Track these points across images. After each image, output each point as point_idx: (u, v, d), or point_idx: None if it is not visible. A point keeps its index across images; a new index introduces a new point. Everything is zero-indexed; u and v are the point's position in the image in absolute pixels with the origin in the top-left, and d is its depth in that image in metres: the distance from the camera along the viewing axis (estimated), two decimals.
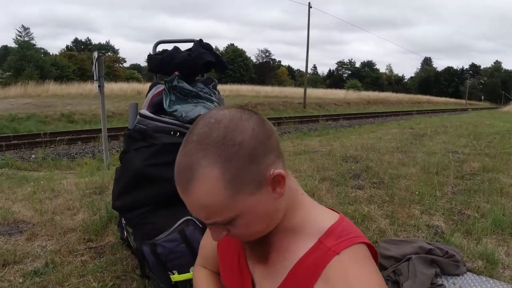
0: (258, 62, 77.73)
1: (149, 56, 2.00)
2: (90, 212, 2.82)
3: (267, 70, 72.31)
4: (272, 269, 0.66)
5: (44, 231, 2.52)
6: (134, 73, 53.85)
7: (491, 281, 1.96)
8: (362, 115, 20.29)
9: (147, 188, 1.65)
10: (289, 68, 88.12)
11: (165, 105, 1.76)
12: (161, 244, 1.65)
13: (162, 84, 1.91)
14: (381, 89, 68.87)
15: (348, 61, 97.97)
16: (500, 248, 2.51)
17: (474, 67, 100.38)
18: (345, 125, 15.13)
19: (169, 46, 2.05)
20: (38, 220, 2.71)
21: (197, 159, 0.53)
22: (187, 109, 1.73)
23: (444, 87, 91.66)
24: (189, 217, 1.70)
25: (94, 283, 1.90)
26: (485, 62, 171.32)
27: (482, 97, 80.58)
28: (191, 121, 1.70)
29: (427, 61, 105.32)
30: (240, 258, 0.74)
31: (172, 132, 1.69)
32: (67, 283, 1.93)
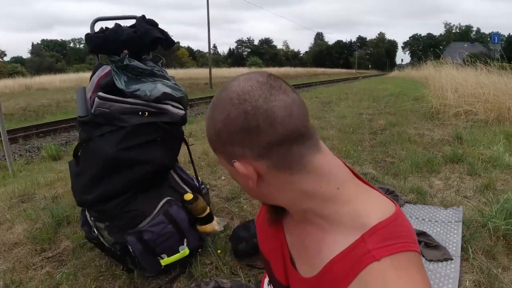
0: None
1: (88, 35, 1.80)
2: (29, 221, 2.48)
3: (166, 52, 69.46)
4: (310, 257, 0.63)
5: None
6: (17, 67, 47.11)
7: (426, 207, 2.40)
8: None
9: (123, 174, 1.54)
10: (189, 49, 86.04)
11: (121, 86, 1.63)
12: (148, 230, 1.59)
13: (107, 65, 1.77)
14: (280, 64, 71.84)
15: (247, 39, 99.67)
16: (423, 182, 2.97)
17: (361, 39, 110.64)
18: None
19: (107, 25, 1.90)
20: None
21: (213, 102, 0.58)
22: (149, 88, 1.63)
23: (336, 59, 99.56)
24: (168, 198, 1.67)
25: None
26: (370, 34, 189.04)
27: (370, 66, 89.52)
28: (157, 99, 1.63)
29: (319, 36, 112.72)
30: (280, 236, 0.72)
31: (140, 112, 1.59)
32: None
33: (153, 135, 1.60)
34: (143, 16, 1.91)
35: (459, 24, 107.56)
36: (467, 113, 5.57)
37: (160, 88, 1.67)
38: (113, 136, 1.54)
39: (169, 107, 1.68)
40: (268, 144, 0.53)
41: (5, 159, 4.93)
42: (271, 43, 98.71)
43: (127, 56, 1.70)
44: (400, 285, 0.49)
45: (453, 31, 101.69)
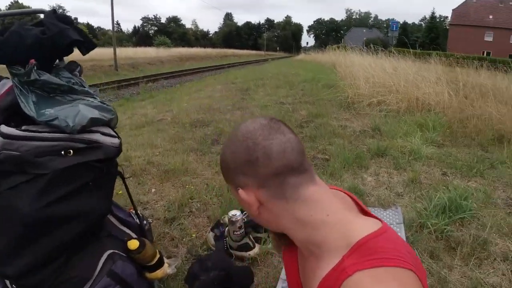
0: None
1: None
2: None
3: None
4: (309, 284, 0.68)
5: None
6: None
7: (382, 210, 2.42)
8: (180, 73, 20.07)
9: (50, 237, 1.16)
10: (88, 26, 78.33)
11: (30, 111, 1.23)
12: None
13: (8, 78, 1.35)
14: (189, 44, 69.81)
15: (153, 17, 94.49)
16: (356, 180, 3.04)
17: (269, 21, 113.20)
18: (166, 85, 14.74)
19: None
20: None
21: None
22: (70, 114, 1.25)
23: (245, 40, 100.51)
24: (110, 251, 1.33)
25: None
26: (278, 17, 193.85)
27: (278, 48, 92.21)
28: (83, 129, 1.26)
29: (228, 17, 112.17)
30: (296, 271, 0.78)
31: (63, 152, 1.20)
32: None
33: (83, 180, 1.22)
34: (54, 11, 1.47)
35: (359, 10, 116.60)
36: (380, 103, 5.94)
37: (85, 112, 1.30)
38: (29, 189, 1.13)
39: (100, 137, 1.31)
40: (266, 175, 0.63)
41: None
42: (180, 21, 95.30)
43: (35, 68, 1.29)
44: None
45: (354, 17, 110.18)
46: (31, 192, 1.12)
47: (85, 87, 1.50)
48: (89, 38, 1.57)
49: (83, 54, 1.57)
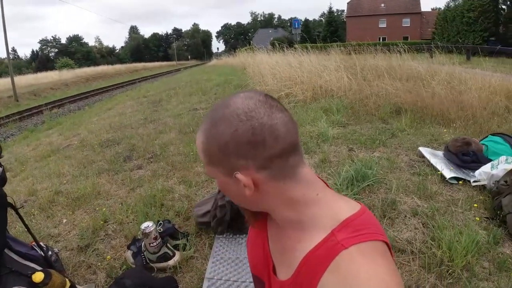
0: None
1: None
2: None
3: None
4: (288, 258, 0.69)
5: None
6: None
7: None
8: (87, 94, 18.89)
9: None
10: None
11: None
12: None
13: None
14: (95, 63, 65.94)
15: (52, 38, 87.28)
16: None
17: (176, 30, 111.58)
18: (74, 109, 13.86)
19: None
20: None
21: (203, 120, 0.67)
22: None
23: (155, 52, 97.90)
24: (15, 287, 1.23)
25: None
26: (185, 26, 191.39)
27: (189, 56, 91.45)
28: None
29: (133, 30, 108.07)
30: (264, 244, 0.79)
31: None
32: None
33: None
34: None
35: (263, 12, 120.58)
36: (288, 95, 6.25)
37: None
38: None
39: None
40: (270, 156, 0.60)
41: None
42: (82, 40, 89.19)
43: None
44: (367, 268, 0.55)
45: (259, 19, 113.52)
46: None
47: None
48: None
49: None
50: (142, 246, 1.86)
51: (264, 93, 0.65)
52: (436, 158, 3.02)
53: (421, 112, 4.60)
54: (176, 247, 1.92)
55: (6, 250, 1.34)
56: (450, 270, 1.74)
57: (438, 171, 2.80)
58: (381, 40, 35.72)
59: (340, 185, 2.62)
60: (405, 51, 8.06)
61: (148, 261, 1.84)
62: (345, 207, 0.65)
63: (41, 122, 10.99)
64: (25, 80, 26.12)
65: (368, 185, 2.62)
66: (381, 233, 0.62)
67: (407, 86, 5.63)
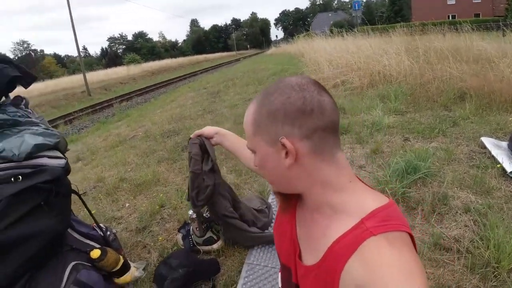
0: (17, 57, 64.92)
1: None
2: None
3: (30, 65, 61.27)
4: (315, 244, 0.72)
5: None
6: None
7: None
8: (153, 87, 20.06)
9: (10, 258, 1.26)
10: (56, 56, 77.31)
11: None
12: None
13: None
14: (160, 57, 69.35)
15: (119, 36, 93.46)
16: None
17: (235, 21, 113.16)
18: (141, 102, 14.76)
19: None
20: None
21: (256, 95, 0.73)
22: (15, 144, 1.35)
23: (215, 44, 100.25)
24: (74, 262, 1.43)
25: None
26: (243, 15, 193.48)
27: (248, 46, 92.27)
28: (29, 155, 1.37)
29: (194, 23, 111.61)
30: (292, 231, 0.82)
31: (12, 179, 1.30)
32: None
33: (35, 201, 1.33)
34: None
35: None
36: (344, 83, 6.10)
37: (29, 140, 1.40)
38: None
39: (46, 160, 1.42)
40: (316, 127, 0.65)
41: None
42: (146, 36, 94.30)
43: None
44: (392, 256, 0.58)
45: (317, 2, 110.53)
46: None
47: (30, 118, 1.58)
48: (28, 72, 1.64)
49: (25, 87, 1.65)
50: (190, 230, 2.00)
51: (314, 79, 0.71)
52: (498, 149, 2.79)
53: (488, 98, 4.22)
54: (220, 232, 2.04)
55: (69, 230, 1.55)
56: (496, 272, 1.62)
57: (499, 163, 2.59)
58: (450, 18, 32.93)
59: (389, 177, 2.53)
60: (473, 30, 7.38)
61: (195, 243, 1.98)
62: (373, 199, 0.68)
63: (112, 115, 11.91)
64: (96, 76, 28.36)
65: (420, 177, 2.49)
66: (407, 225, 0.64)
67: (474, 69, 5.19)
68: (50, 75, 50.08)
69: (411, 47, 6.97)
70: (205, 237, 1.93)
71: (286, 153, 0.67)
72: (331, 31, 10.36)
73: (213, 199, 1.78)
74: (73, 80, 26.15)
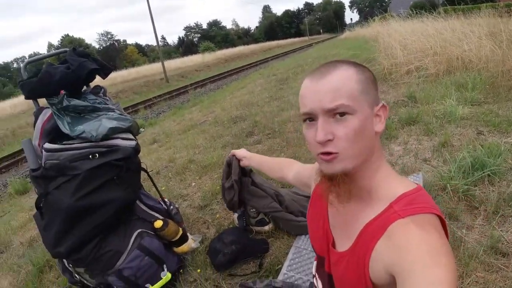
0: (102, 48, 71.37)
1: (21, 82, 1.71)
2: (12, 273, 2.42)
3: (114, 54, 67.10)
4: (348, 230, 0.76)
5: None
6: None
7: None
8: (225, 74, 20.75)
9: (87, 222, 1.53)
10: (137, 46, 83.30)
11: (65, 130, 1.59)
12: (126, 267, 1.60)
13: (48, 108, 1.70)
14: (233, 44, 70.89)
15: (195, 25, 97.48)
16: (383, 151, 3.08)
17: (308, 5, 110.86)
18: (213, 88, 15.36)
19: None
20: None
21: (337, 63, 0.71)
22: (94, 127, 1.60)
23: (287, 29, 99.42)
24: (140, 230, 1.67)
25: None
26: None
27: (321, 30, 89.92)
28: (106, 137, 1.60)
29: (266, 9, 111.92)
30: (324, 222, 0.86)
31: (90, 156, 1.56)
32: None
33: (108, 175, 1.58)
34: (73, 49, 1.83)
35: None
36: (418, 69, 5.73)
37: (106, 124, 1.63)
38: (68, 186, 1.50)
39: (119, 141, 1.66)
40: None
41: None
42: (220, 24, 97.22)
43: (65, 96, 1.64)
44: (419, 236, 0.60)
45: None
46: (70, 188, 1.50)
47: (107, 105, 1.83)
48: (105, 64, 1.89)
49: (103, 78, 1.89)
50: (245, 211, 2.15)
51: None
52: None
53: None
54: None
55: (137, 202, 1.80)
56: None
57: None
58: None
59: (453, 173, 2.35)
60: None
61: (248, 224, 2.13)
62: (403, 184, 0.71)
63: (187, 100, 12.63)
64: (174, 64, 30.07)
65: (487, 175, 2.29)
66: (435, 208, 0.66)
67: None
68: (132, 64, 54.13)
69: (495, 31, 6.29)
70: (258, 218, 2.07)
71: (378, 117, 0.71)
72: (410, 13, 9.67)
73: (251, 202, 1.99)
74: (153, 68, 28.11)
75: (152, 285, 1.68)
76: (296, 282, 1.23)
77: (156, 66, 27.73)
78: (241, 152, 1.62)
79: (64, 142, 1.60)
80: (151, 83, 21.28)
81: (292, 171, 1.19)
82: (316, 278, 0.98)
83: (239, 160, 1.65)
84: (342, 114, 0.66)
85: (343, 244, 0.78)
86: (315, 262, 1.00)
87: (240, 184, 1.89)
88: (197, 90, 15.25)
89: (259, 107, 6.24)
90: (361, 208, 0.73)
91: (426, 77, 5.42)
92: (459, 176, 2.33)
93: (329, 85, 0.66)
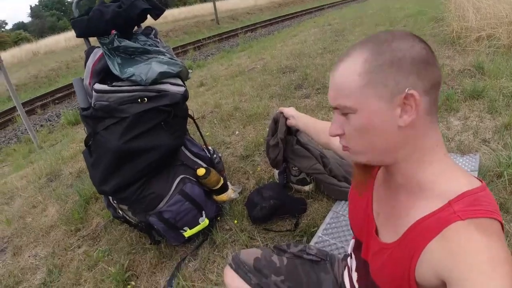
0: None
1: (72, 20, 1.68)
2: (60, 202, 2.61)
3: None
4: (395, 222, 0.69)
5: (25, 240, 2.31)
6: (20, 33, 46.26)
7: (459, 156, 2.29)
8: (278, 20, 19.92)
9: (133, 164, 1.57)
10: None
11: (116, 71, 1.58)
12: (167, 210, 1.66)
13: (99, 47, 1.68)
14: None
15: None
16: (441, 124, 2.85)
17: None
18: (264, 34, 14.90)
19: None
20: (10, 231, 2.44)
21: (356, 45, 0.63)
22: (143, 71, 1.57)
23: None
24: (182, 176, 1.71)
25: (110, 268, 1.85)
26: None
27: None
28: (155, 81, 1.59)
29: None
30: (367, 206, 0.80)
31: (139, 100, 1.56)
32: (83, 279, 1.87)
33: (156, 120, 1.58)
34: None
35: None
36: (490, 37, 5.15)
37: (156, 68, 1.60)
38: (116, 129, 1.53)
39: (168, 86, 1.64)
40: (435, 82, 0.60)
41: (28, 132, 5.11)
42: None
43: (116, 36, 1.61)
44: (480, 243, 0.53)
45: None
46: (118, 131, 1.53)
47: (158, 47, 1.79)
48: (157, 4, 1.82)
49: (154, 19, 1.84)
50: (287, 168, 2.12)
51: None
52: None
53: None
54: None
55: (182, 148, 1.81)
56: None
57: None
58: None
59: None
60: None
61: (289, 181, 2.11)
62: (465, 180, 0.62)
63: (236, 44, 12.41)
64: (225, 5, 29.19)
65: None
66: (498, 212, 0.58)
67: None
68: (184, 2, 53.25)
69: None
70: (299, 177, 2.03)
71: (403, 108, 0.59)
72: None
73: (295, 162, 1.96)
74: (204, 8, 27.55)
75: (190, 229, 1.75)
76: (331, 252, 1.20)
77: (207, 6, 27.16)
78: (289, 111, 1.54)
79: (113, 84, 1.60)
80: (201, 24, 21.00)
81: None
82: (351, 258, 0.95)
83: (286, 118, 1.58)
84: (345, 113, 0.64)
85: (387, 235, 0.72)
86: (352, 241, 0.96)
87: (285, 143, 1.84)
88: (247, 35, 14.88)
89: (311, 58, 5.98)
90: (412, 201, 0.65)
91: (498, 48, 4.85)
92: None
93: (333, 82, 0.65)
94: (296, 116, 1.49)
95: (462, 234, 0.55)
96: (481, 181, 0.63)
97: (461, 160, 2.23)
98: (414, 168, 0.64)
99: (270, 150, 1.84)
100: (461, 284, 0.52)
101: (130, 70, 1.58)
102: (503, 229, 0.58)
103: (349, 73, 0.61)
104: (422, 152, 0.63)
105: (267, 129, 1.85)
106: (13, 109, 8.30)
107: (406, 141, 0.62)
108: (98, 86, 1.55)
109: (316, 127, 1.31)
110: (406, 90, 0.58)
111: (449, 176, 0.62)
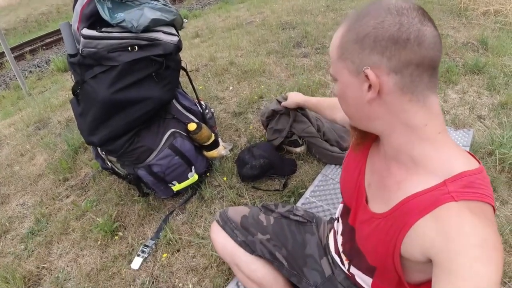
0: None
1: None
2: (48, 150, 2.57)
3: None
4: (386, 194, 0.69)
5: (13, 188, 2.29)
6: None
7: (452, 130, 2.28)
8: None
9: (123, 115, 1.51)
10: None
11: (105, 16, 1.48)
12: (156, 164, 1.63)
13: None
14: None
15: None
16: (438, 95, 2.81)
17: None
18: None
19: None
20: None
21: (347, 16, 0.65)
22: (135, 17, 1.47)
23: None
24: (173, 130, 1.67)
25: (98, 218, 1.86)
26: None
27: None
28: (147, 28, 1.49)
29: None
30: (360, 174, 0.80)
31: (129, 48, 1.47)
32: (71, 229, 1.88)
33: (147, 71, 1.50)
34: None
35: None
36: (497, 13, 4.97)
37: (148, 14, 1.51)
38: (105, 77, 1.45)
39: (161, 35, 1.55)
40: (408, 61, 0.57)
41: (17, 79, 4.97)
42: None
43: None
44: (472, 226, 0.53)
45: None
46: (107, 80, 1.46)
47: None
48: None
49: None
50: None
51: (418, 5, 0.60)
52: None
53: None
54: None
55: (174, 101, 1.76)
56: None
57: None
58: None
59: (506, 139, 2.13)
60: None
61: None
62: (462, 160, 0.61)
63: None
64: None
65: None
66: (492, 197, 0.58)
67: None
68: None
69: None
70: (291, 138, 2.01)
71: (370, 86, 0.60)
72: None
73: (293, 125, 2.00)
74: None
75: (179, 183, 1.74)
76: (317, 214, 1.22)
77: None
78: (296, 98, 1.74)
79: (103, 30, 1.50)
80: None
81: (341, 111, 1.10)
82: (338, 222, 0.96)
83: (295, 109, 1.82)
84: (333, 77, 0.68)
85: (376, 206, 0.72)
86: (341, 206, 0.97)
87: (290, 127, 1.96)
88: None
89: (312, 16, 5.76)
90: (405, 176, 0.65)
91: (504, 24, 4.70)
92: (510, 144, 2.11)
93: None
94: (304, 102, 1.68)
95: (455, 215, 0.55)
96: (479, 162, 0.62)
97: (454, 134, 2.22)
98: (403, 143, 0.64)
99: (269, 132, 1.99)
100: (448, 266, 0.52)
101: (120, 16, 1.49)
102: (494, 212, 0.58)
103: (333, 43, 0.65)
104: (407, 129, 0.62)
105: (262, 108, 1.89)
106: (2, 54, 8.03)
107: (379, 115, 0.63)
108: (86, 31, 1.45)
109: (323, 105, 1.43)
110: (364, 69, 0.59)
111: (446, 154, 0.61)
